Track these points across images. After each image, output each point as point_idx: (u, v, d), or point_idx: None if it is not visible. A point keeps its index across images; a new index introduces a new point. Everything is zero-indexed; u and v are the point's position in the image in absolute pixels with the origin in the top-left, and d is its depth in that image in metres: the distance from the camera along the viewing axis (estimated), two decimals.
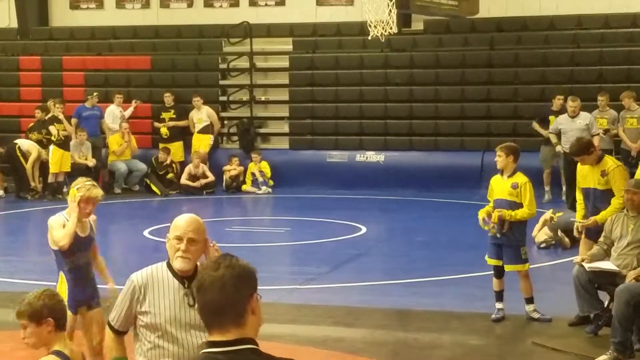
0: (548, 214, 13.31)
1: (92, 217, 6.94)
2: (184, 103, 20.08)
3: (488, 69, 19.53)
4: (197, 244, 4.63)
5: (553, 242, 12.90)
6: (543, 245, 12.87)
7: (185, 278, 4.57)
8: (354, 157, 19.41)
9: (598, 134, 15.53)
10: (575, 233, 9.91)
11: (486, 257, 9.30)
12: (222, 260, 3.02)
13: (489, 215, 9.07)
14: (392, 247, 13.97)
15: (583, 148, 9.42)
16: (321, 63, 20.61)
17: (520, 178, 9.11)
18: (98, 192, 6.76)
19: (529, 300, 9.21)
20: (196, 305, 3.02)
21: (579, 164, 9.61)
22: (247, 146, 20.05)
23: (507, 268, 9.17)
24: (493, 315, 9.14)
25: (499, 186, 9.16)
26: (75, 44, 21.99)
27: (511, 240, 9.07)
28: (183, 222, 4.72)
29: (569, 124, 15.66)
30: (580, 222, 9.49)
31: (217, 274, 2.97)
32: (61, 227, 6.72)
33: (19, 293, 10.55)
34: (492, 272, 9.28)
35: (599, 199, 9.30)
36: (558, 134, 16.20)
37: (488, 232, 9.16)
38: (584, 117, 15.71)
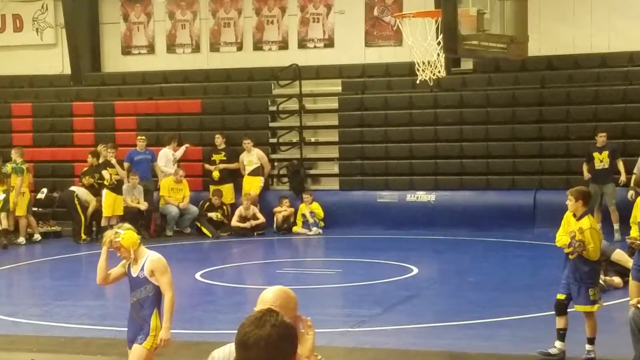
0: None
1: (151, 258, 7.23)
2: (234, 145, 20.22)
3: (539, 107, 19.40)
4: None
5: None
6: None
7: None
8: (405, 197, 19.35)
9: None
10: (628, 251, 9.82)
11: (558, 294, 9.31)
12: (268, 318, 2.96)
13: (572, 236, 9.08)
14: (443, 288, 13.84)
15: None
16: (370, 104, 20.65)
17: (585, 223, 9.13)
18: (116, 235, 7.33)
19: (590, 341, 9.14)
20: None
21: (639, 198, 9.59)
22: (297, 187, 20.10)
23: (578, 309, 9.17)
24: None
25: (571, 226, 9.21)
26: (127, 89, 22.31)
27: (584, 280, 9.08)
28: (270, 295, 4.20)
29: None
30: (633, 238, 9.43)
31: (263, 333, 2.91)
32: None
33: (73, 338, 10.67)
34: (554, 311, 9.31)
35: None
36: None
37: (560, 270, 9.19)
38: None
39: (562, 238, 9.22)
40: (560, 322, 9.21)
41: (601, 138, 17.22)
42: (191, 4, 22.54)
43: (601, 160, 17.15)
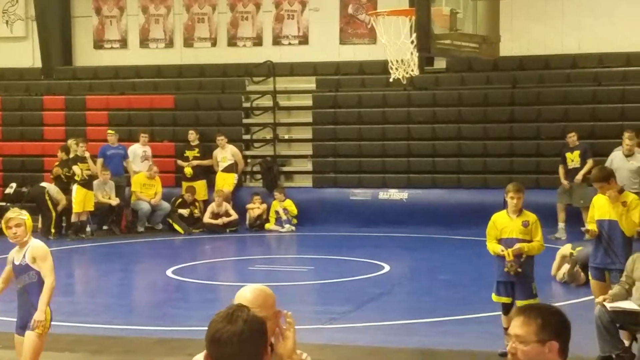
0: (567, 249, 13.24)
1: (33, 245, 7.58)
2: (207, 142, 20.19)
3: (510, 107, 19.54)
4: (266, 320, 4.20)
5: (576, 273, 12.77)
6: (565, 280, 12.77)
7: None
8: (377, 194, 19.42)
9: None
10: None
11: (493, 296, 9.30)
12: (239, 313, 2.97)
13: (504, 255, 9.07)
14: (415, 286, 13.91)
15: (604, 176, 9.43)
16: (344, 101, 20.69)
17: (530, 216, 9.20)
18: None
19: None
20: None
21: (595, 196, 9.64)
22: (270, 184, 20.11)
23: (520, 304, 9.13)
24: (500, 350, 9.04)
25: (508, 225, 9.18)
26: (99, 84, 22.19)
27: (526, 275, 9.09)
28: (249, 295, 4.00)
29: (623, 163, 15.51)
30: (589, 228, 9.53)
31: (236, 329, 2.92)
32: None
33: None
34: (502, 311, 9.37)
35: (614, 229, 9.34)
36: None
37: (499, 270, 9.15)
38: (638, 160, 15.66)
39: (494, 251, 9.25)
40: (508, 321, 9.24)
41: (571, 138, 17.45)
42: None
43: (572, 160, 17.33)
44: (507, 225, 9.19)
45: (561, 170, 17.42)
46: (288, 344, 3.66)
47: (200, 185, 19.83)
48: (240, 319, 2.92)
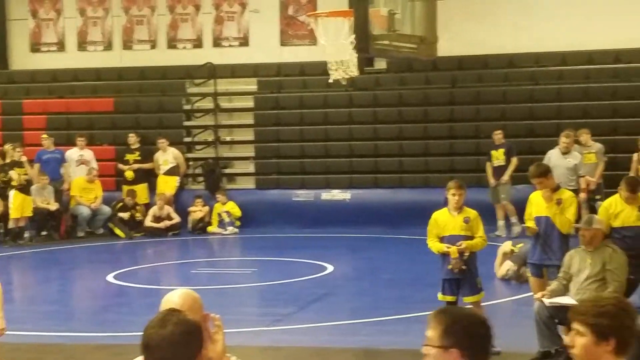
0: (507, 246, 13.41)
1: None
2: (148, 145, 20.04)
3: (450, 107, 19.73)
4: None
5: (519, 272, 12.91)
6: (507, 277, 12.91)
7: None
8: (320, 195, 19.46)
9: (584, 176, 15.75)
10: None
11: (439, 295, 9.34)
12: (170, 317, 2.96)
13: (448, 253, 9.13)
14: (359, 286, 13.96)
15: (542, 171, 9.54)
16: (286, 103, 20.70)
17: (471, 212, 9.26)
18: None
19: None
20: None
21: (532, 194, 9.75)
22: (212, 187, 20.02)
23: (467, 300, 9.23)
24: None
25: (449, 223, 9.22)
26: (36, 87, 21.89)
27: (471, 271, 9.17)
28: (177, 298, 3.98)
29: (560, 161, 15.69)
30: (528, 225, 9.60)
31: (166, 332, 2.91)
32: None
33: None
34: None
35: (550, 226, 9.46)
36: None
37: (444, 269, 9.22)
38: (575, 157, 15.86)
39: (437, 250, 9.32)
40: None
41: (497, 136, 17.66)
42: (103, 1, 22.25)
43: (498, 158, 17.52)
44: (448, 222, 9.24)
45: (488, 169, 17.62)
46: (217, 347, 3.64)
47: (142, 189, 19.66)
48: (170, 323, 2.91)
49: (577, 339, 3.46)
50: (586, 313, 3.50)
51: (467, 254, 9.10)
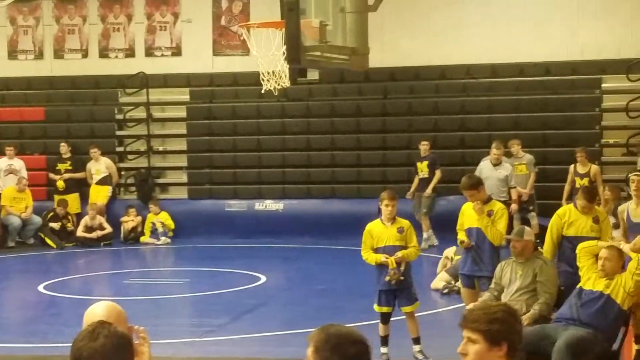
0: (450, 252, 13.52)
1: None
2: (80, 154, 19.86)
3: (382, 118, 19.91)
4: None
5: (455, 288, 13.06)
6: (445, 291, 12.95)
7: None
8: (253, 206, 19.47)
9: (515, 187, 15.89)
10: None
11: (375, 306, 9.41)
12: (101, 330, 2.95)
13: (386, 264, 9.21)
14: (291, 296, 14.00)
15: (474, 183, 9.68)
16: (218, 113, 20.70)
17: (404, 222, 9.36)
18: None
19: (417, 341, 9.38)
20: None
21: (464, 205, 9.90)
22: (145, 197, 19.92)
23: (404, 310, 9.33)
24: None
25: (384, 234, 9.30)
26: None
27: (407, 281, 9.26)
28: (100, 311, 4.00)
29: (491, 172, 15.80)
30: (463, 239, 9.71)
31: (97, 345, 2.89)
32: None
33: None
34: (380, 320, 9.45)
35: (481, 238, 9.59)
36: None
37: (381, 280, 9.28)
38: (506, 168, 16.00)
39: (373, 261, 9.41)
40: (385, 330, 9.44)
41: (423, 147, 17.65)
42: (34, 10, 21.99)
43: (422, 170, 17.55)
44: (382, 233, 9.30)
45: (415, 181, 17.62)
46: (144, 359, 3.68)
47: (73, 199, 19.47)
48: (101, 335, 2.91)
49: (470, 346, 3.60)
50: (478, 320, 3.65)
51: (402, 264, 9.19)
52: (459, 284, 12.53)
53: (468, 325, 3.62)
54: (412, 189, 17.62)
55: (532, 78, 19.67)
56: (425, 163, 17.58)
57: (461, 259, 10.03)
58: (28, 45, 22.06)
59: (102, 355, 2.89)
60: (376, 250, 9.30)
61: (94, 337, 2.90)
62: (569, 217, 9.65)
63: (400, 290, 9.23)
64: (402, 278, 9.18)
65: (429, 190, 17.40)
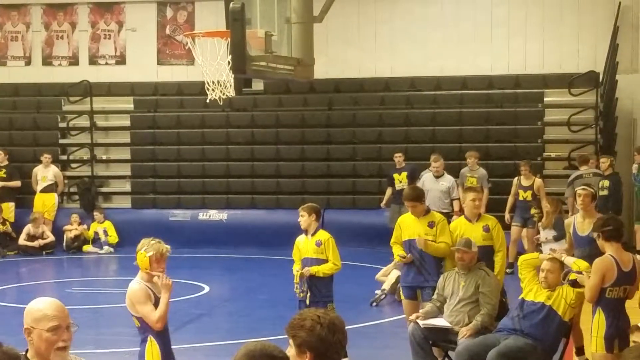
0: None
1: None
2: (21, 162, 19.64)
3: (327, 129, 19.99)
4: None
5: (384, 296, 13.14)
6: (374, 304, 13.01)
7: None
8: (197, 215, 19.42)
9: (458, 199, 15.80)
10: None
11: None
12: None
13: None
14: (235, 306, 14.00)
15: (418, 195, 9.75)
16: (163, 122, 20.62)
17: (323, 235, 9.37)
18: (164, 246, 6.87)
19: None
20: None
21: (401, 217, 9.96)
22: (88, 205, 19.77)
23: None
24: None
25: (305, 245, 9.39)
26: None
27: (317, 297, 9.21)
28: (56, 307, 4.10)
29: (433, 184, 15.87)
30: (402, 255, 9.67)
31: None
32: (146, 299, 6.76)
33: None
34: None
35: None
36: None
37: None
38: (448, 180, 16.07)
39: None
40: None
41: (398, 159, 17.52)
42: None
43: (400, 181, 17.34)
44: (304, 245, 9.42)
45: (388, 192, 17.47)
46: None
47: (6, 208, 19.18)
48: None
49: (289, 349, 3.67)
50: (290, 326, 3.73)
51: (307, 276, 9.16)
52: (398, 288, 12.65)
53: (286, 330, 3.70)
54: (385, 200, 17.52)
55: (475, 91, 19.88)
56: (405, 174, 17.34)
57: (403, 271, 9.98)
58: None
59: None
60: (302, 262, 9.39)
61: None
62: (460, 230, 9.58)
63: (313, 304, 9.03)
64: (303, 292, 9.19)
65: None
